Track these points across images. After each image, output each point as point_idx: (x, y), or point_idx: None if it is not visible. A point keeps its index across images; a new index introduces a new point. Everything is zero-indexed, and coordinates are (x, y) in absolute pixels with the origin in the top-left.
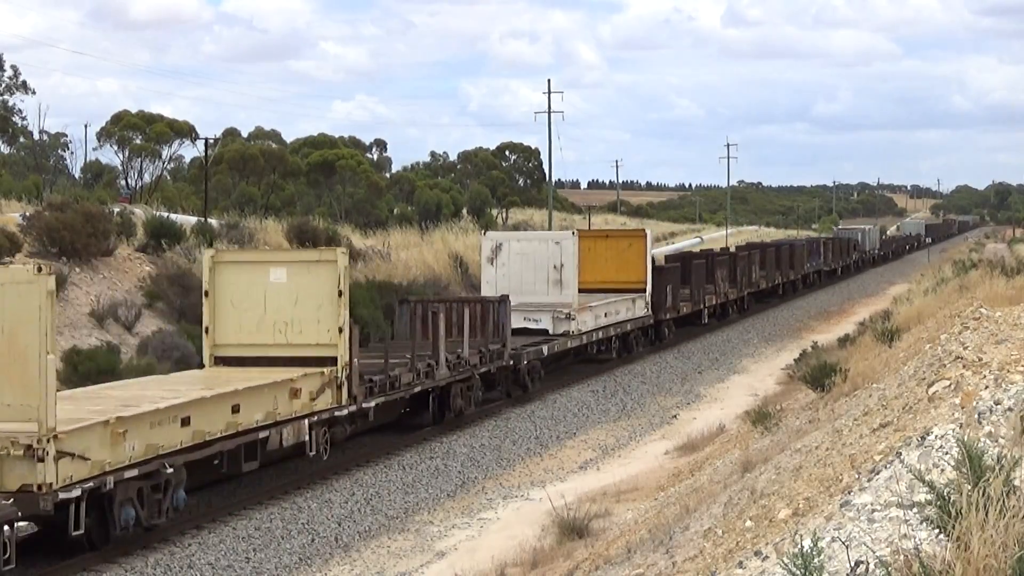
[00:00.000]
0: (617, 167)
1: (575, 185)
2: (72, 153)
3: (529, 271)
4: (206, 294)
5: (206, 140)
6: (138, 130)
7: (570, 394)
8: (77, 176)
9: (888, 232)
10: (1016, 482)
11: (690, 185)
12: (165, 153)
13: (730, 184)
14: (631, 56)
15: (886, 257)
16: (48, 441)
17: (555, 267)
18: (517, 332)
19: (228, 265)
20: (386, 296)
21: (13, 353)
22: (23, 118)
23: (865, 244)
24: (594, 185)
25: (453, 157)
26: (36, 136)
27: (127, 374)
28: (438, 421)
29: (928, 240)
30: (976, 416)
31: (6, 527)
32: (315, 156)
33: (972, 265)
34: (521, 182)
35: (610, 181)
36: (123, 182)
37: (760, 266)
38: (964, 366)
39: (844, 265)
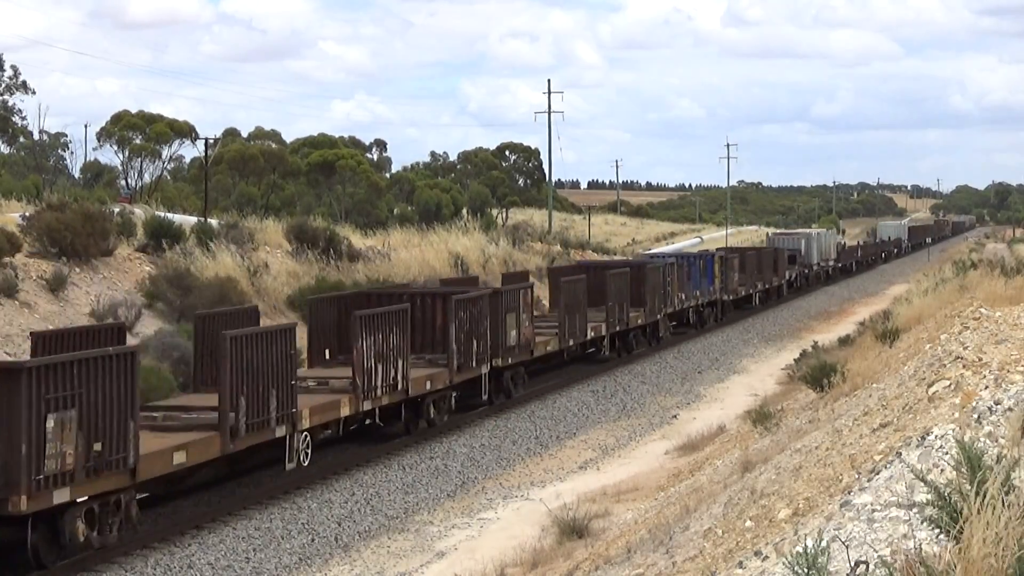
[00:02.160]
0: (617, 167)
1: (575, 185)
2: (72, 153)
3: None
4: None
5: (206, 140)
6: (138, 130)
7: (570, 394)
8: (77, 176)
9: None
10: (1016, 482)
11: (690, 185)
12: (165, 153)
13: (730, 184)
14: (631, 56)
15: (847, 270)
16: None
17: None
18: None
19: None
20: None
21: None
22: (23, 118)
23: (811, 255)
24: (594, 185)
25: (453, 157)
26: (36, 136)
27: None
28: None
29: (920, 243)
30: (976, 416)
31: None
32: (315, 156)
33: (972, 265)
34: (521, 182)
35: (610, 181)
36: (123, 182)
37: (522, 309)
38: (964, 366)
39: (771, 287)
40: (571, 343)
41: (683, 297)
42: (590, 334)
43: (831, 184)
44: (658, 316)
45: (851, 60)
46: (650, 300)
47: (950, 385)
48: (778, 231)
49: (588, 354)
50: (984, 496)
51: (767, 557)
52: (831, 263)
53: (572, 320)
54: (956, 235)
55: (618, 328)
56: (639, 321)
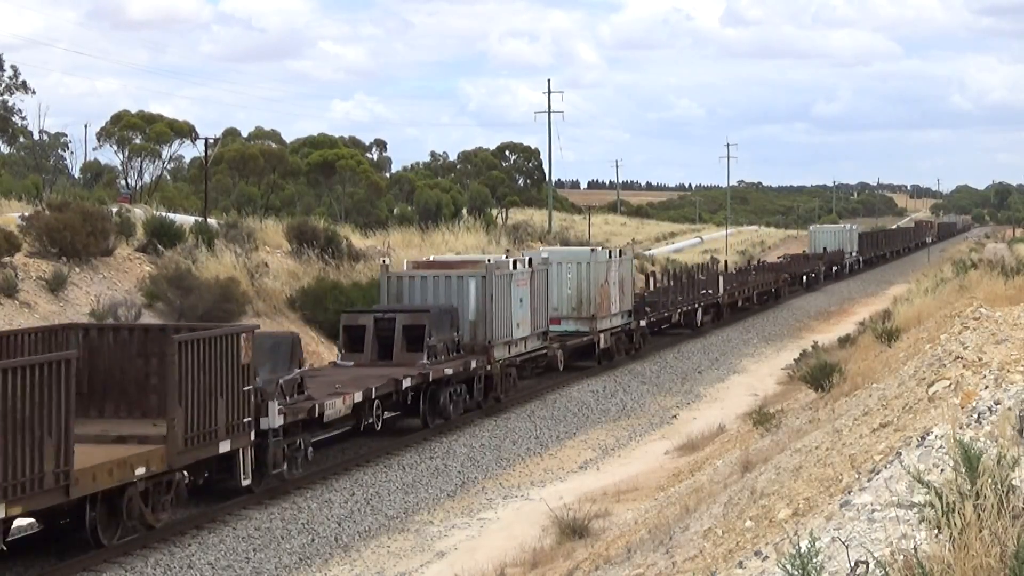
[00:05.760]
0: (617, 167)
1: (575, 185)
2: (72, 153)
3: None
4: None
5: (206, 140)
6: (138, 130)
7: (570, 394)
8: (77, 176)
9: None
10: (1015, 482)
11: (690, 185)
12: (165, 153)
13: (730, 184)
14: (631, 56)
15: (667, 332)
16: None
17: None
18: None
19: None
20: None
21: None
22: (23, 118)
23: (486, 325)
24: (594, 185)
25: (453, 157)
26: (36, 136)
27: None
28: None
29: (882, 255)
30: (976, 416)
31: None
32: (315, 156)
33: (972, 265)
34: (521, 182)
35: (610, 181)
36: (123, 182)
37: None
38: (964, 366)
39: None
40: None
41: None
42: None
43: (831, 184)
44: None
45: (851, 60)
46: None
47: (950, 385)
48: (417, 262)
49: None
50: (982, 496)
51: (767, 557)
52: (612, 325)
53: None
54: (945, 239)
55: None
56: None
